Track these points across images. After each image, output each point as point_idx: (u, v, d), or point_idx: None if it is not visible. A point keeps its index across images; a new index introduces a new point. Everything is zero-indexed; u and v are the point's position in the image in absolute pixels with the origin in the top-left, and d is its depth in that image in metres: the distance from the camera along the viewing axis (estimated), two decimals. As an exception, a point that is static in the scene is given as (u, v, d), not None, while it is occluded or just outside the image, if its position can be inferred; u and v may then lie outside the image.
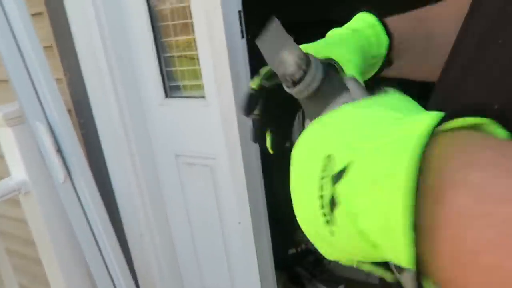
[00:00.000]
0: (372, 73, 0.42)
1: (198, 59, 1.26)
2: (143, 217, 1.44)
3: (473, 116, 0.19)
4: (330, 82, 0.30)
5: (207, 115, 1.28)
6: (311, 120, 0.32)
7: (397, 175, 0.18)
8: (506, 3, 0.30)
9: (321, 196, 0.22)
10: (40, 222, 1.27)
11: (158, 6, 1.30)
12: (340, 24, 0.42)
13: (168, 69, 1.36)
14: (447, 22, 0.43)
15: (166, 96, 1.37)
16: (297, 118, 0.39)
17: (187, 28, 1.28)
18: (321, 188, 0.22)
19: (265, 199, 1.31)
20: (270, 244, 1.36)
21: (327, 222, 0.22)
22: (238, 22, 1.16)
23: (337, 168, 0.21)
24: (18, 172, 1.23)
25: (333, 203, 0.21)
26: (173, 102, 1.35)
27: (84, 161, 1.27)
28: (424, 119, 0.19)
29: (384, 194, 0.18)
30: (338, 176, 0.21)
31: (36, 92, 1.20)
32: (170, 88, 1.38)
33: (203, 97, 1.29)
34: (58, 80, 1.30)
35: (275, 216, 1.40)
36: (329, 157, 0.22)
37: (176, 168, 1.41)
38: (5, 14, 1.09)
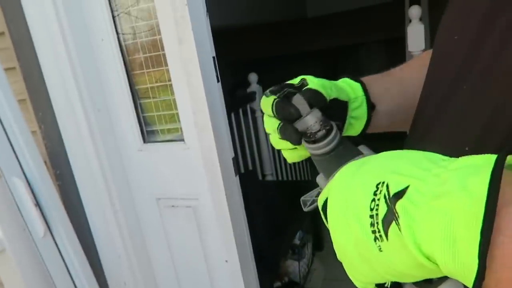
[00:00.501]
0: (364, 119, 0.46)
1: (175, 103, 1.30)
2: (126, 265, 1.41)
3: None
4: (345, 146, 0.37)
5: (187, 158, 1.31)
6: (325, 176, 0.38)
7: (474, 188, 0.20)
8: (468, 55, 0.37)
9: (372, 216, 0.25)
10: (18, 282, 1.21)
11: (132, 55, 1.34)
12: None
13: (144, 114, 1.39)
14: (413, 70, 0.50)
15: (144, 141, 1.39)
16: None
17: (163, 74, 1.33)
18: (373, 209, 0.25)
19: (249, 236, 1.33)
20: (257, 279, 1.37)
21: (376, 238, 0.25)
22: (213, 68, 1.22)
23: (394, 190, 0.24)
24: (-8, 230, 1.18)
25: (387, 220, 0.24)
26: (152, 147, 1.37)
27: (63, 213, 1.24)
28: (490, 155, 0.22)
29: (452, 205, 0.21)
30: (397, 195, 0.24)
31: (12, 147, 1.18)
32: (148, 133, 1.40)
33: (182, 140, 1.32)
34: (32, 133, 1.28)
35: (257, 251, 1.42)
36: (382, 183, 0.26)
37: (158, 211, 1.41)
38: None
